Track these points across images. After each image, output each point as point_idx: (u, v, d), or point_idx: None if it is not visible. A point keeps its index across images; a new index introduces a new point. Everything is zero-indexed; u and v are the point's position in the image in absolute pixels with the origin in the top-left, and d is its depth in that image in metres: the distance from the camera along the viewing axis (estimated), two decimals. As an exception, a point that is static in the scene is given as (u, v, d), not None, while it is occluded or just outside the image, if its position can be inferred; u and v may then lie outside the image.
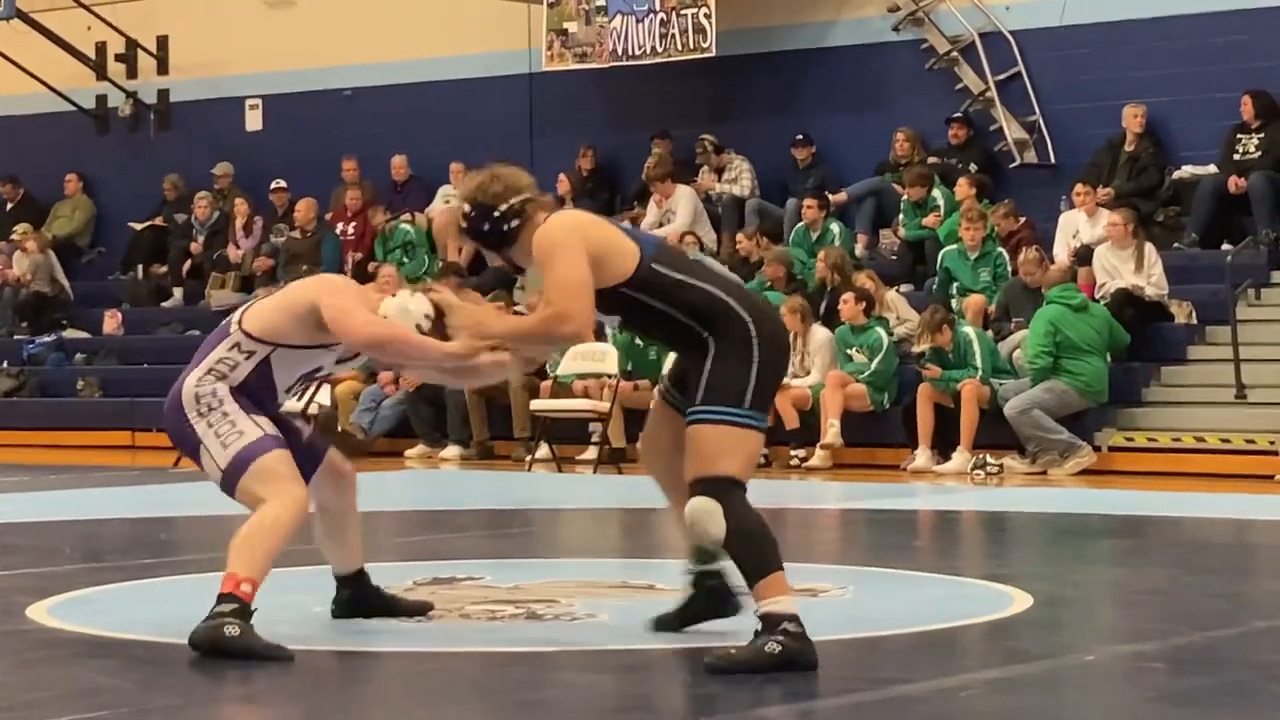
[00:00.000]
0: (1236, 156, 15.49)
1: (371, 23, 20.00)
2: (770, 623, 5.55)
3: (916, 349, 14.45)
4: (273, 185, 19.95)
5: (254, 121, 21.11)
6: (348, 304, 6.04)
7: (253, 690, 5.59)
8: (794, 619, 5.54)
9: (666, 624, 6.07)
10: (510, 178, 5.87)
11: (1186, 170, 15.92)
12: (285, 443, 6.11)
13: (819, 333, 14.98)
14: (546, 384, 15.69)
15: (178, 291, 20.41)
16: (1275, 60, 15.53)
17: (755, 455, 5.75)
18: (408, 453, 16.19)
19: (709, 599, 6.03)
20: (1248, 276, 14.82)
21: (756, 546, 5.62)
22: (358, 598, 6.44)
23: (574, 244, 5.63)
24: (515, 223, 5.80)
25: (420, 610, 6.50)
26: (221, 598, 5.85)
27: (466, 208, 5.88)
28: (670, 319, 5.71)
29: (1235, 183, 15.26)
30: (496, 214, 5.81)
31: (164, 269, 20.68)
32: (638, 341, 15.70)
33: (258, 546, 5.92)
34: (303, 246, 19.08)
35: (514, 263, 5.94)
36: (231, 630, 5.75)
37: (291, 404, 16.08)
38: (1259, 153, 15.40)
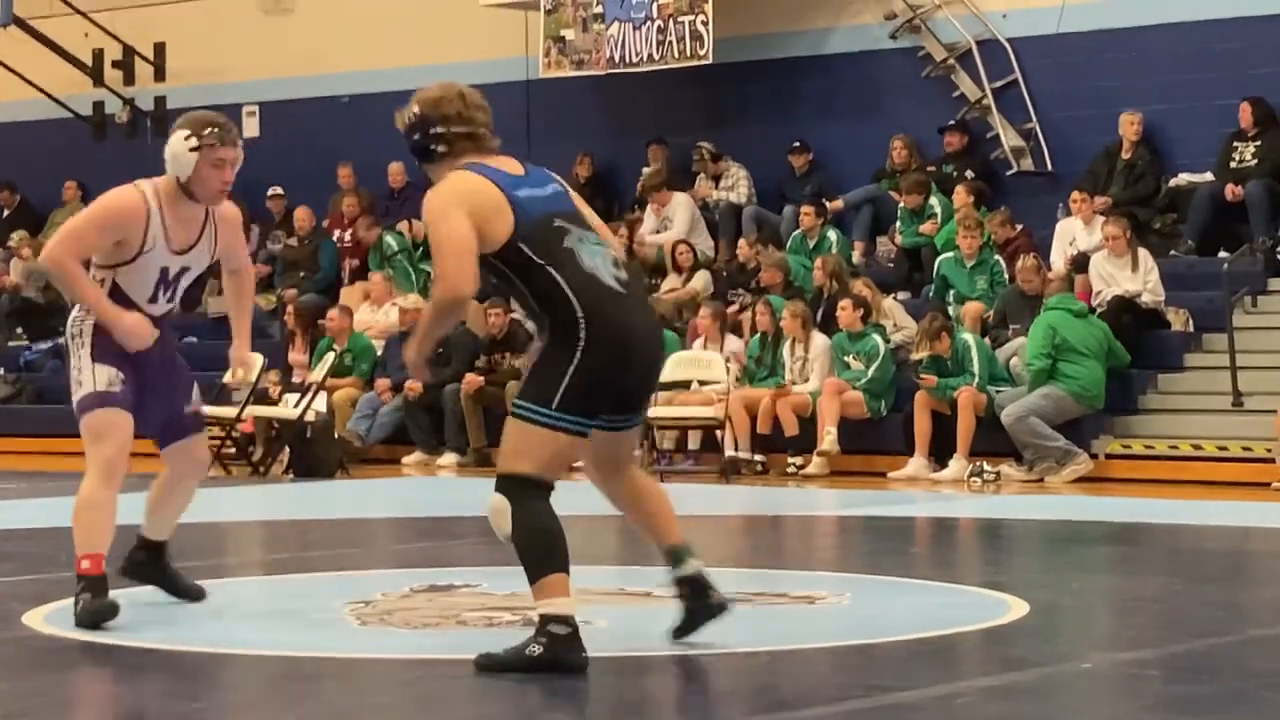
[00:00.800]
0: (1233, 164, 15.50)
1: (369, 30, 20.01)
2: (540, 624, 5.58)
3: (914, 357, 14.46)
4: (269, 192, 19.94)
5: (251, 128, 21.10)
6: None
7: (248, 698, 5.58)
8: (563, 621, 5.54)
9: (679, 634, 6.04)
10: (466, 107, 5.92)
11: (1183, 178, 15.94)
12: (114, 398, 6.44)
13: (817, 339, 14.98)
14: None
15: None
16: (1271, 68, 15.55)
17: (561, 456, 5.68)
18: (405, 460, 16.19)
19: (691, 612, 6.02)
20: (1244, 284, 14.82)
21: (540, 547, 5.61)
22: (149, 564, 6.94)
23: (456, 207, 5.62)
24: (441, 148, 5.86)
25: (195, 595, 6.92)
26: (77, 579, 6.41)
27: (415, 109, 5.99)
28: (524, 300, 5.70)
29: (1232, 190, 15.27)
30: (431, 131, 5.89)
31: (161, 276, 20.65)
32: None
33: (82, 525, 6.50)
34: (299, 254, 19.08)
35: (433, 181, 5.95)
36: (82, 604, 6.33)
37: (290, 410, 16.06)
38: (1255, 160, 15.41)
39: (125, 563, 6.92)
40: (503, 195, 5.66)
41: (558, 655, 5.53)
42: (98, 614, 6.30)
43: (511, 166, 5.80)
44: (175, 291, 6.59)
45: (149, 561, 6.94)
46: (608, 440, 5.83)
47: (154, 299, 6.54)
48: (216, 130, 6.59)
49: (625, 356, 5.65)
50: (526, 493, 5.62)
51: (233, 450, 15.86)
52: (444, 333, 5.95)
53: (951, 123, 16.97)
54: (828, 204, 16.94)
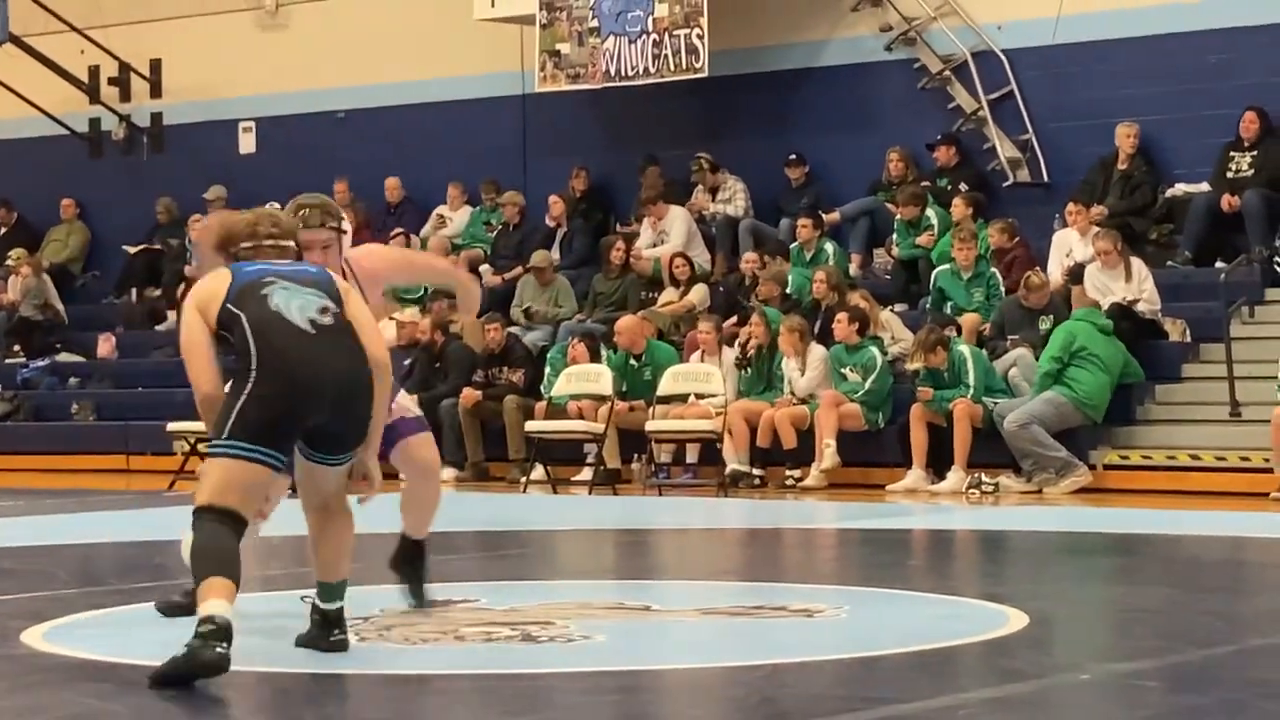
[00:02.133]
0: (1229, 174, 15.51)
1: (364, 45, 20.01)
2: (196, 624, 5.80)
3: (909, 368, 14.46)
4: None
5: (247, 144, 21.12)
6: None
7: (247, 715, 5.58)
8: (206, 620, 5.73)
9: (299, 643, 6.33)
10: (256, 223, 6.28)
11: (1179, 188, 15.94)
12: None
13: (815, 352, 14.98)
14: (541, 405, 15.70)
15: (172, 315, 20.36)
16: (1267, 78, 15.56)
17: (227, 480, 5.94)
18: (402, 474, 16.17)
19: (311, 638, 6.30)
20: (1241, 294, 14.83)
21: (201, 561, 5.88)
22: (407, 560, 7.24)
23: (189, 309, 6.11)
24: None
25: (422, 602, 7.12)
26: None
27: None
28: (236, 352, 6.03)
29: (1228, 201, 15.28)
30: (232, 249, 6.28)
31: (158, 292, 20.68)
32: (632, 362, 15.71)
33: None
34: (297, 269, 19.08)
35: None
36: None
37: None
38: (1252, 170, 15.42)
39: (392, 556, 7.22)
40: (229, 274, 6.10)
41: (193, 650, 5.67)
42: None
43: (280, 264, 6.17)
44: None
45: (407, 558, 7.20)
46: (307, 470, 6.15)
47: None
48: (305, 212, 6.72)
49: (293, 389, 5.91)
50: (200, 520, 5.96)
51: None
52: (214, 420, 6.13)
53: (939, 137, 16.97)
54: (824, 216, 16.94)
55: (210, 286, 6.08)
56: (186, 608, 6.66)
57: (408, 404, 7.02)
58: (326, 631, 6.21)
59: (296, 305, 5.97)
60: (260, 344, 5.92)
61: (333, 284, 6.17)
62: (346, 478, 6.21)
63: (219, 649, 5.66)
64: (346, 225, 6.79)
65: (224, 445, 5.94)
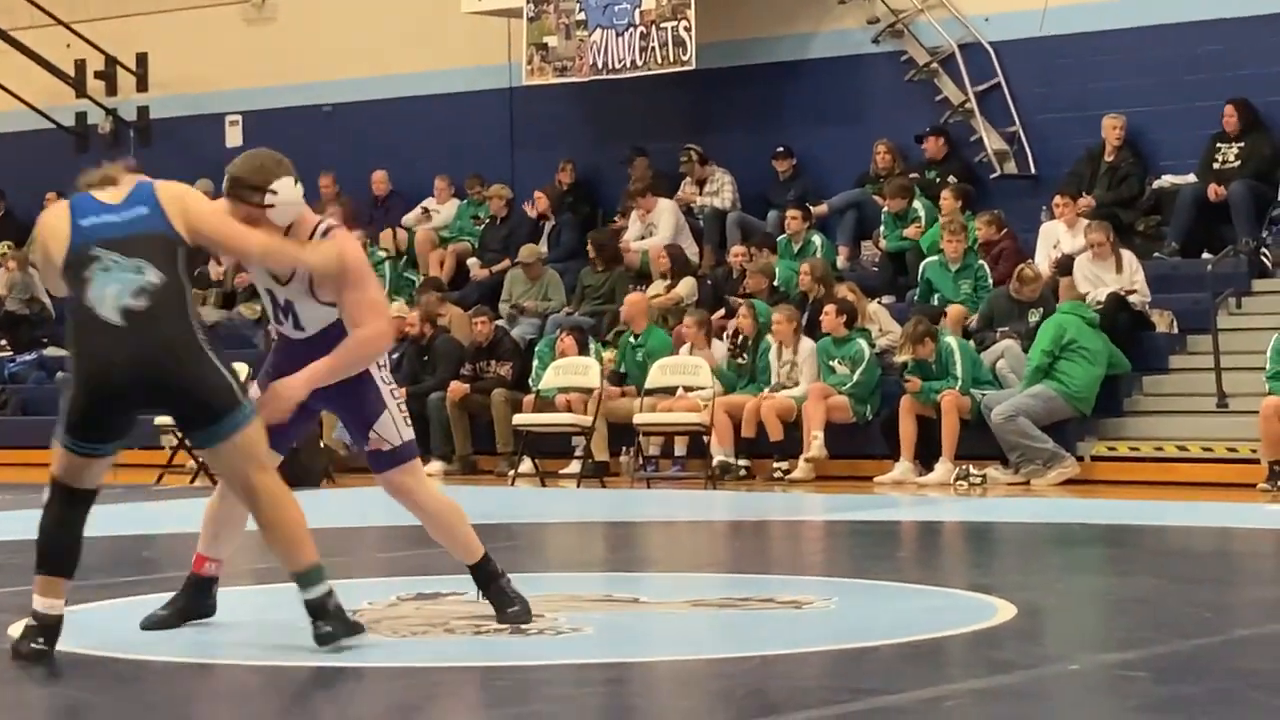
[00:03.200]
0: (1216, 165, 15.52)
1: (351, 38, 19.99)
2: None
3: (898, 359, 14.47)
4: (253, 202, 19.91)
5: (234, 138, 21.09)
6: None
7: (235, 708, 5.57)
8: (32, 614, 5.94)
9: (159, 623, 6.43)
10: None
11: (1166, 180, 15.95)
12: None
13: (804, 344, 14.99)
14: (529, 398, 15.69)
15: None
16: (1253, 69, 15.57)
17: (69, 465, 5.95)
18: (391, 468, 16.16)
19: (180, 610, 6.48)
20: (1228, 285, 14.85)
21: (38, 547, 6.01)
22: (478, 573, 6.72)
23: (34, 239, 6.21)
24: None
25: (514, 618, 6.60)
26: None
27: None
28: None
29: (1215, 190, 15.29)
30: None
31: (145, 286, 20.63)
32: (630, 339, 15.71)
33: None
34: (284, 262, 19.05)
35: None
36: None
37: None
38: (1238, 162, 15.43)
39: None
40: (68, 223, 5.90)
41: (15, 648, 5.90)
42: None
43: (111, 195, 5.95)
44: (296, 319, 6.43)
45: (480, 585, 6.73)
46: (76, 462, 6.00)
47: (279, 320, 6.52)
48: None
49: (87, 385, 5.83)
50: (50, 494, 6.00)
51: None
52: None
53: (927, 130, 16.97)
54: (811, 209, 16.94)
55: (47, 228, 5.95)
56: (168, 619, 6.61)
57: (390, 433, 6.51)
58: (313, 624, 6.02)
59: (111, 292, 5.76)
60: (79, 344, 5.85)
61: (155, 232, 5.87)
62: (249, 452, 5.94)
63: (32, 646, 5.88)
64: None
65: (64, 440, 5.93)
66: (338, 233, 6.40)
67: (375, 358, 6.39)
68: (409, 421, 6.59)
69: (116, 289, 5.75)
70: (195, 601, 6.58)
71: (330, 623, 5.99)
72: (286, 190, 6.32)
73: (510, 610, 6.59)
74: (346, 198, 19.56)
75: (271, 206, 6.29)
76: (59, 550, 5.95)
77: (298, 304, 6.40)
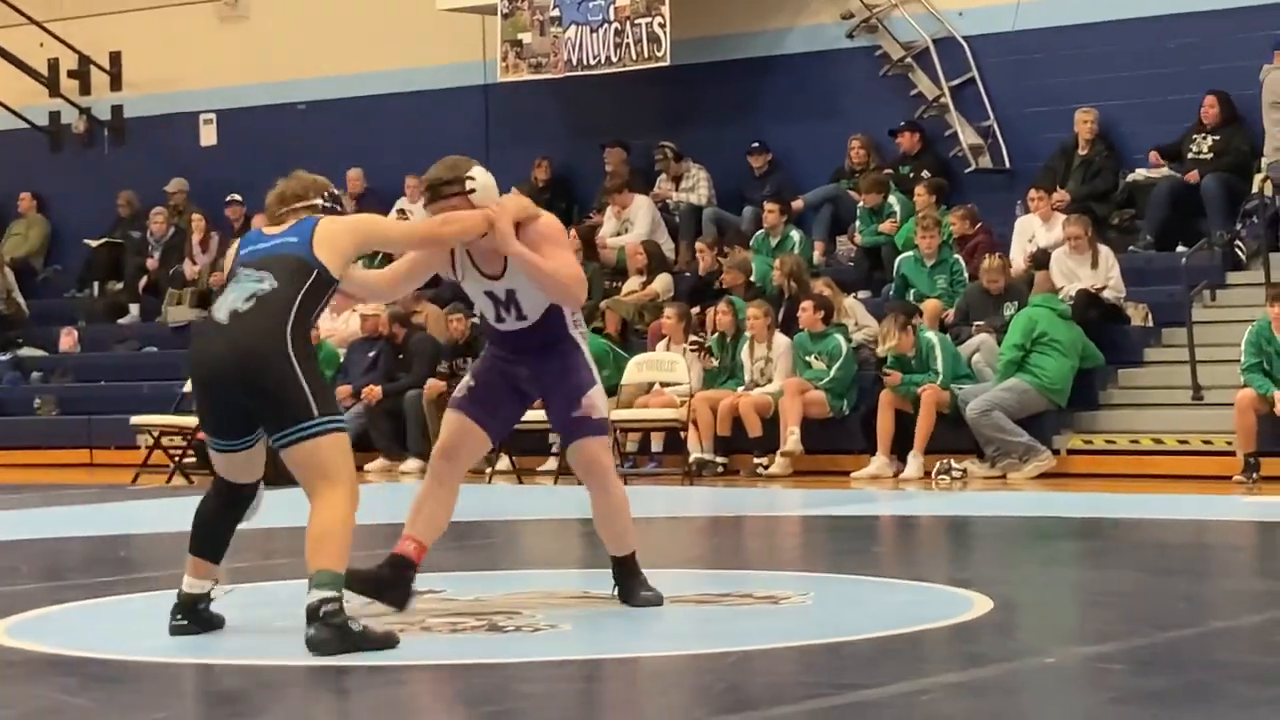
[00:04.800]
0: (1190, 158, 15.55)
1: (325, 36, 19.96)
2: None
3: (881, 350, 14.49)
4: (228, 199, 19.90)
5: (208, 136, 21.04)
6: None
7: (212, 707, 5.56)
8: (178, 592, 6.45)
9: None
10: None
11: (1140, 173, 15.99)
12: (456, 401, 7.02)
13: (779, 340, 15.00)
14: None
15: (134, 308, 20.33)
16: (1227, 63, 15.60)
17: (215, 459, 6.43)
18: (367, 466, 16.14)
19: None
20: (1203, 278, 14.88)
21: (191, 530, 6.49)
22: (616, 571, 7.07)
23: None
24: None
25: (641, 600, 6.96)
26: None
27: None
28: None
29: (1190, 175, 15.32)
30: None
31: (120, 286, 20.61)
32: (610, 348, 15.70)
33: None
34: (259, 261, 19.02)
35: None
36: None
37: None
38: (1212, 155, 15.47)
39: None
40: (236, 253, 6.45)
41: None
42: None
43: (276, 229, 6.39)
44: (519, 309, 6.79)
45: (619, 580, 7.03)
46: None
47: (500, 318, 6.85)
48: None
49: (191, 379, 6.39)
50: (210, 486, 6.55)
51: (194, 459, 15.80)
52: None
53: (902, 124, 16.99)
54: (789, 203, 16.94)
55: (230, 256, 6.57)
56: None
57: (598, 404, 6.84)
58: (307, 626, 6.01)
59: (231, 297, 6.20)
60: (191, 344, 6.47)
61: (291, 254, 6.22)
62: (315, 461, 6.18)
63: (174, 623, 6.35)
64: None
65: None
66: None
67: (567, 290, 6.71)
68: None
69: (235, 295, 6.19)
70: (394, 577, 6.84)
71: (318, 628, 5.97)
72: (482, 175, 6.76)
73: (633, 599, 6.94)
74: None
75: (473, 191, 6.70)
76: (207, 537, 6.41)
77: (519, 292, 6.75)
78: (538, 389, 6.89)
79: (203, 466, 15.80)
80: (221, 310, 6.19)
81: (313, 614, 5.99)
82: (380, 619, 6.51)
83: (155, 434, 15.74)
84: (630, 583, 6.94)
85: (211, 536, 6.41)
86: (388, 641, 6.06)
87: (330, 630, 5.96)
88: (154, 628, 6.50)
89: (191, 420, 15.72)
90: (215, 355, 6.15)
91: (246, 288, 6.16)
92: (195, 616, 6.39)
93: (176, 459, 15.52)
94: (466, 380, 6.94)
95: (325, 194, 6.45)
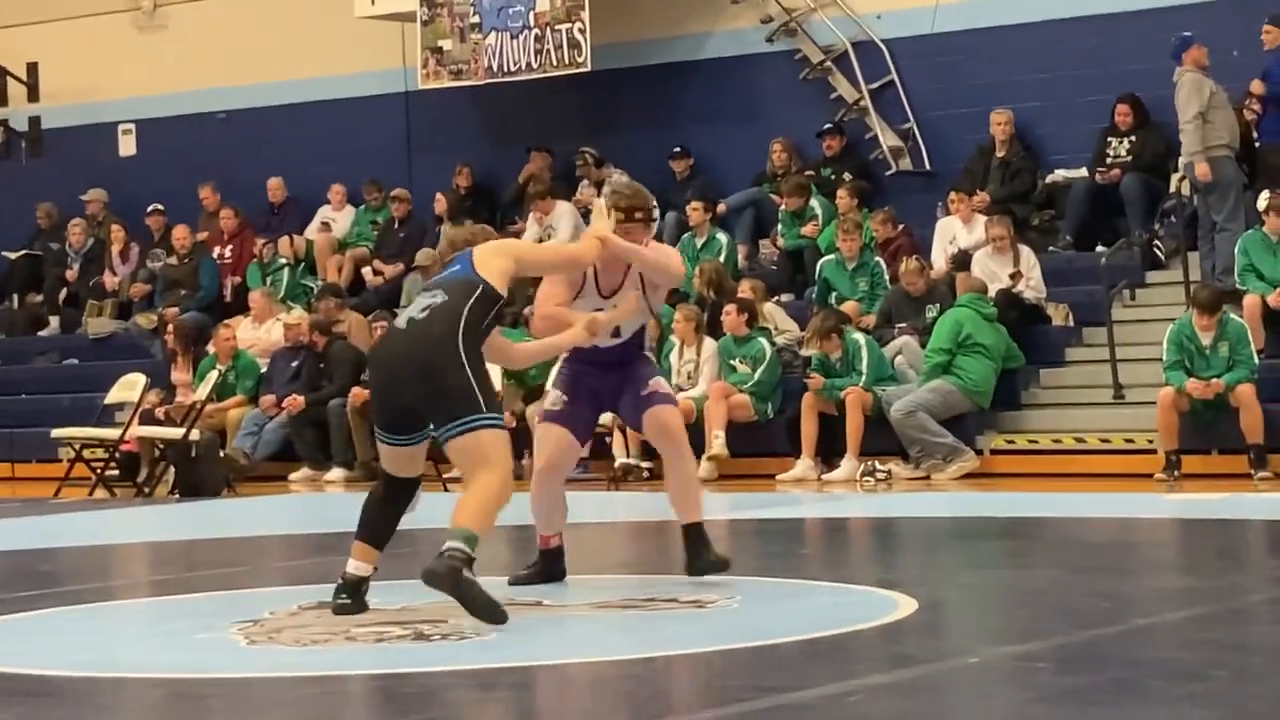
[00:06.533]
0: (1108, 159, 15.68)
1: (244, 45, 19.86)
2: None
3: (805, 352, 14.52)
4: (149, 209, 19.77)
5: (127, 147, 20.90)
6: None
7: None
8: (342, 575, 7.03)
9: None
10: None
11: (1059, 174, 16.10)
12: (551, 415, 7.78)
13: (707, 344, 15.02)
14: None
15: (54, 320, 20.16)
16: (1142, 64, 15.73)
17: (385, 454, 7.06)
18: (292, 476, 16.07)
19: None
20: (1122, 277, 15.00)
21: (359, 516, 7.13)
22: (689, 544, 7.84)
23: None
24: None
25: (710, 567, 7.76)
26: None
27: None
28: None
29: (1107, 176, 15.44)
30: None
31: (40, 298, 20.43)
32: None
33: (534, 509, 7.91)
34: (180, 272, 18.92)
35: None
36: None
37: (174, 430, 15.78)
38: (1130, 156, 15.59)
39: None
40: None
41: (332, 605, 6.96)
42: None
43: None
44: (619, 328, 7.63)
45: (690, 548, 7.77)
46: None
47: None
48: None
49: (371, 377, 7.12)
50: (378, 476, 7.20)
51: (116, 471, 15.69)
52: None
53: (829, 126, 17.06)
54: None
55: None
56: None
57: (663, 383, 7.73)
58: (436, 556, 6.66)
59: (410, 310, 6.98)
60: (372, 348, 7.50)
61: (459, 276, 6.97)
62: (478, 452, 6.78)
63: (338, 601, 6.92)
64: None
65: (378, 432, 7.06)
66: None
67: (677, 273, 7.79)
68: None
69: (414, 309, 6.96)
70: (551, 567, 7.80)
71: (436, 562, 6.58)
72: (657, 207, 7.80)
73: (698, 563, 7.69)
74: (232, 205, 19.33)
75: (655, 220, 7.74)
76: (373, 524, 7.04)
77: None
78: (612, 396, 7.72)
79: (125, 479, 15.71)
80: (402, 319, 6.99)
81: (441, 553, 6.61)
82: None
83: (77, 447, 15.61)
84: (697, 548, 7.70)
85: (376, 525, 7.04)
86: (492, 611, 6.55)
87: (446, 567, 6.54)
88: (76, 642, 6.45)
89: (113, 433, 15.64)
90: (394, 355, 6.89)
91: (422, 302, 6.94)
92: (357, 597, 6.95)
93: (98, 472, 15.40)
94: (558, 394, 7.70)
95: (486, 238, 7.24)
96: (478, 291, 6.91)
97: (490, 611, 6.53)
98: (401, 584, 8.13)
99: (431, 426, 6.88)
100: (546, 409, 7.71)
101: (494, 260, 7.03)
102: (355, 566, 7.01)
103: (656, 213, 7.76)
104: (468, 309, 6.86)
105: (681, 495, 7.74)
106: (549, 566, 7.84)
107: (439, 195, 18.29)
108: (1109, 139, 15.70)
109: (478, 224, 7.73)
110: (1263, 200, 14.12)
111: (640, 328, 7.71)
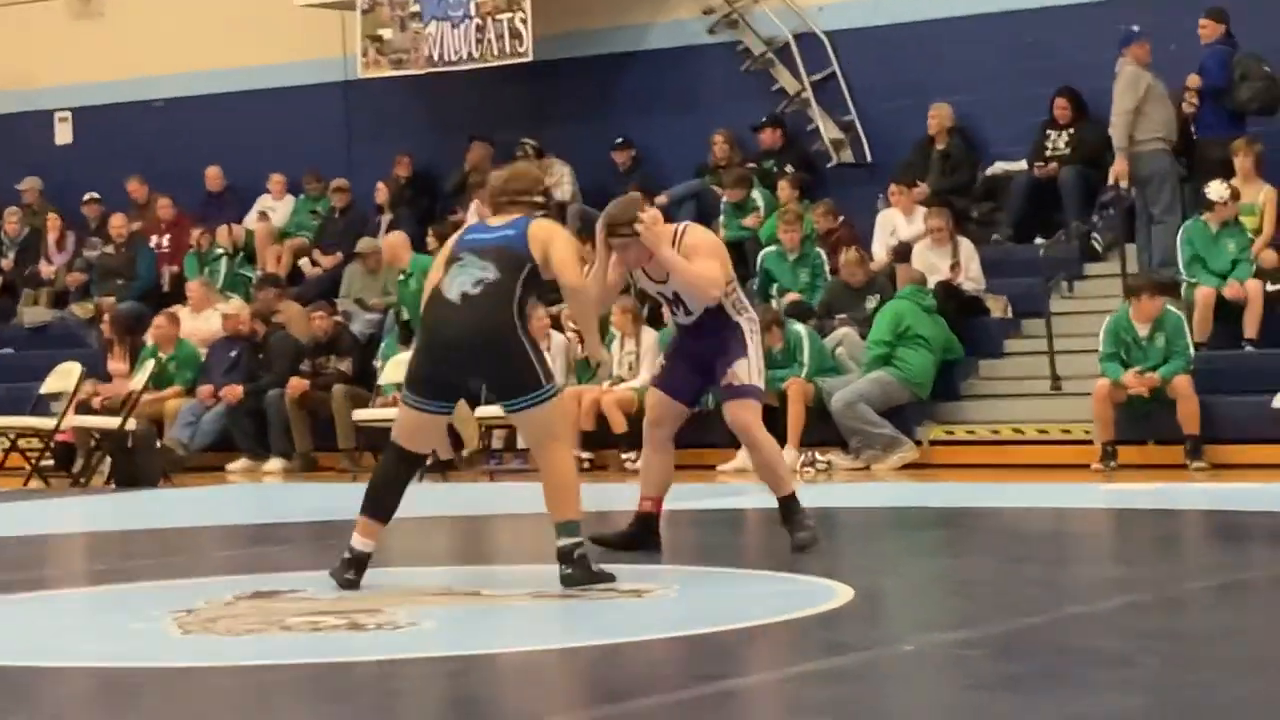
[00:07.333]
0: (1047, 153, 15.74)
1: (182, 32, 19.73)
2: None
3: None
4: (85, 198, 19.63)
5: (64, 135, 20.75)
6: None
7: (69, 711, 5.49)
8: (346, 548, 7.33)
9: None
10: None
11: (999, 166, 16.16)
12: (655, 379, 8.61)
13: (647, 334, 15.02)
14: (375, 395, 15.59)
15: (-10, 308, 20.01)
16: (1081, 57, 15.80)
17: (408, 424, 7.32)
18: (229, 466, 16.00)
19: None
20: (1060, 269, 15.07)
21: (366, 491, 7.41)
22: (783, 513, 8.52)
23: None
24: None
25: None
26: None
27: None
28: None
29: (1045, 170, 15.50)
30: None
31: (-26, 287, 20.26)
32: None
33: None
34: (116, 261, 18.80)
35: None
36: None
37: (110, 420, 15.65)
38: (1068, 149, 15.66)
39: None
40: (458, 236, 7.40)
41: (332, 575, 7.30)
42: None
43: (496, 221, 7.37)
44: (685, 306, 8.18)
45: (783, 515, 8.46)
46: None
47: (674, 313, 8.33)
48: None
49: (433, 344, 7.24)
50: (386, 452, 7.44)
51: (51, 462, 15.58)
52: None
53: (764, 120, 17.06)
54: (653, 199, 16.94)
55: (450, 237, 7.54)
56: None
57: (741, 373, 8.16)
58: (560, 567, 7.17)
59: (460, 279, 7.15)
60: (422, 316, 7.33)
61: (510, 248, 7.17)
62: (544, 424, 7.21)
63: (345, 577, 7.19)
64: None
65: (404, 395, 7.34)
66: (692, 227, 8.35)
67: (699, 289, 8.06)
68: (763, 372, 8.33)
69: (463, 279, 7.15)
70: (641, 532, 8.40)
71: (572, 567, 7.11)
72: (649, 215, 8.09)
73: (800, 535, 8.27)
74: (161, 196, 19.20)
75: (638, 233, 7.99)
76: (381, 500, 7.32)
77: (682, 294, 8.11)
78: (707, 366, 8.22)
79: (60, 469, 15.60)
80: (452, 290, 7.15)
81: (566, 557, 7.15)
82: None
83: (11, 436, 15.50)
84: (793, 519, 8.33)
85: (383, 502, 7.30)
86: (610, 578, 7.22)
87: (581, 568, 7.12)
88: (10, 632, 6.40)
89: (49, 422, 15.53)
90: (457, 332, 7.13)
91: (473, 273, 7.13)
92: (361, 574, 7.26)
93: (33, 462, 15.29)
94: (660, 361, 8.63)
95: (543, 192, 7.44)
96: (525, 270, 7.19)
97: (610, 578, 7.19)
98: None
99: (495, 396, 7.36)
100: (654, 374, 8.57)
101: (547, 246, 7.22)
102: (362, 543, 7.28)
103: (639, 226, 7.97)
104: (519, 288, 7.19)
105: (763, 478, 8.47)
106: (639, 530, 8.35)
107: (380, 184, 18.23)
108: (1048, 132, 15.77)
109: (533, 170, 7.85)
110: (1218, 191, 14.10)
111: (709, 309, 8.13)
